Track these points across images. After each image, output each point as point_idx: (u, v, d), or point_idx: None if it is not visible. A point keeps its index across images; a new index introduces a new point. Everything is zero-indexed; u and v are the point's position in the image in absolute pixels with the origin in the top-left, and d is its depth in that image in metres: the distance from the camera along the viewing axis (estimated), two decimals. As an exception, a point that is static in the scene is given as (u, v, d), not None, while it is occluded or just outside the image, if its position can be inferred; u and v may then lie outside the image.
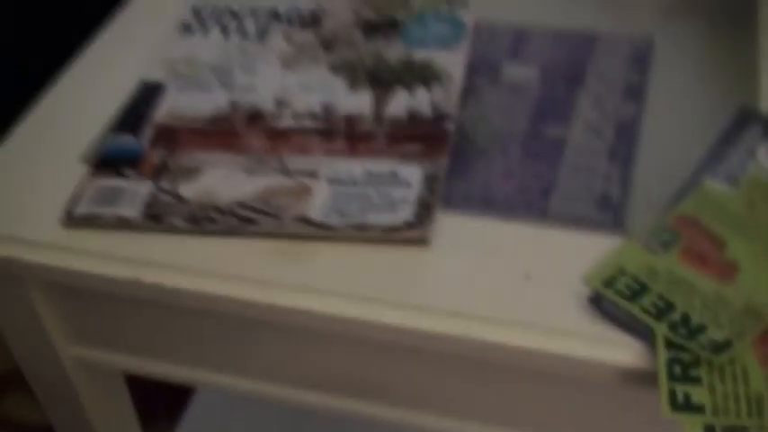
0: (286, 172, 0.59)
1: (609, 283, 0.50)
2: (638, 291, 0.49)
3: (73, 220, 0.58)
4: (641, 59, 0.72)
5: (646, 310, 0.48)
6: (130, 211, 0.58)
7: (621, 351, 0.49)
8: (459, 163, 0.61)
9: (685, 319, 0.48)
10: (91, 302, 0.62)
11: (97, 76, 0.71)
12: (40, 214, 0.60)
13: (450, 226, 0.56)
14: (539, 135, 0.66)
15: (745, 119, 0.59)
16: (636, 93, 0.69)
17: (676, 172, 0.58)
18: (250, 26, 0.72)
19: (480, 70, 0.71)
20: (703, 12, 0.79)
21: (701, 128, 0.65)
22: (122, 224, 0.58)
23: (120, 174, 0.61)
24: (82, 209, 0.59)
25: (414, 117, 0.62)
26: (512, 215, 0.59)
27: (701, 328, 0.47)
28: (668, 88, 0.70)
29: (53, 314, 0.64)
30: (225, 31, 0.72)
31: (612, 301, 0.49)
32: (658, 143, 0.65)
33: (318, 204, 0.56)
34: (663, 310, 0.48)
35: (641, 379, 0.48)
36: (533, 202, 0.61)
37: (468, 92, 0.67)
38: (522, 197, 0.62)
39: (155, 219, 0.57)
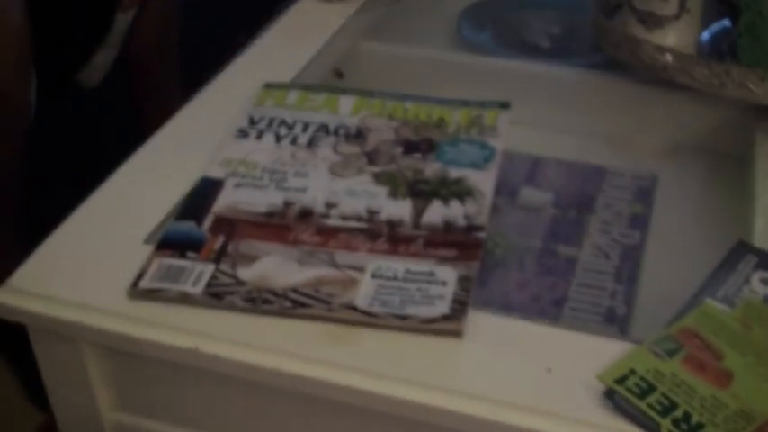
0: (334, 265, 0.66)
1: (620, 380, 0.56)
2: (646, 389, 0.56)
3: (138, 292, 0.65)
4: (646, 193, 0.79)
5: (652, 407, 0.55)
6: (192, 288, 0.64)
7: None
8: (479, 272, 0.67)
9: (687, 417, 0.55)
10: (143, 371, 0.68)
11: (159, 169, 0.79)
12: (104, 285, 0.67)
13: (479, 322, 0.63)
14: (552, 253, 0.73)
15: (741, 250, 0.67)
16: (640, 222, 0.76)
17: (675, 293, 0.64)
18: (301, 136, 0.80)
19: (501, 192, 0.78)
20: (704, 152, 0.87)
21: (698, 256, 0.71)
22: (184, 299, 0.64)
23: (182, 255, 0.68)
24: (146, 283, 0.65)
25: (449, 226, 0.69)
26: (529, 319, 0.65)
27: (700, 426, 0.54)
28: (669, 220, 0.77)
29: (103, 379, 0.70)
30: (278, 138, 0.79)
31: (624, 396, 0.56)
32: (659, 268, 0.72)
33: (363, 295, 0.63)
34: (667, 407, 0.55)
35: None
36: (546, 311, 0.68)
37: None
38: (536, 306, 0.69)
39: (215, 296, 0.64)
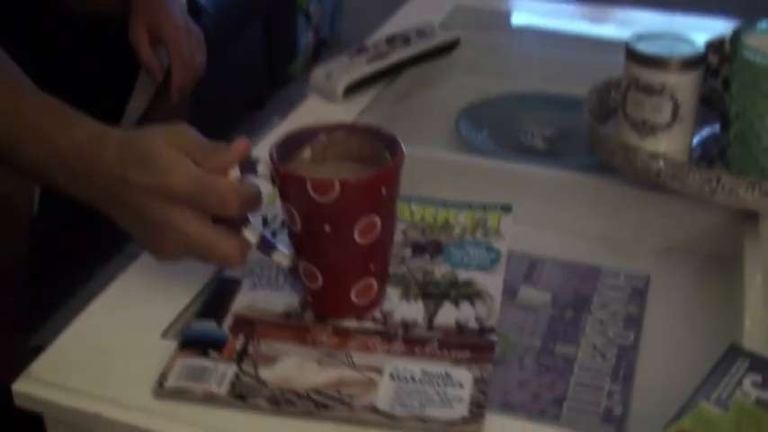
0: (353, 366, 0.69)
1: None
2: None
3: (164, 391, 0.67)
4: (639, 293, 0.82)
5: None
6: (217, 388, 0.67)
7: None
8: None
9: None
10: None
11: (173, 265, 0.81)
12: (123, 378, 0.69)
13: (489, 423, 0.65)
14: (550, 352, 0.75)
15: (734, 354, 0.70)
16: (635, 322, 0.78)
17: (669, 393, 0.67)
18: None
19: (500, 291, 0.81)
20: (695, 254, 0.90)
21: (691, 355, 0.75)
22: (210, 400, 0.67)
23: (205, 354, 0.70)
24: (172, 382, 0.68)
25: (461, 328, 0.73)
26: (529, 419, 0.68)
27: None
28: (663, 320, 0.80)
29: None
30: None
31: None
32: (653, 367, 0.75)
33: (383, 396, 0.66)
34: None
35: None
36: (547, 411, 0.70)
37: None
38: (536, 405, 0.71)
39: (240, 398, 0.66)
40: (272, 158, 0.70)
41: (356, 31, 2.63)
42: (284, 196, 0.70)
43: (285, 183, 0.69)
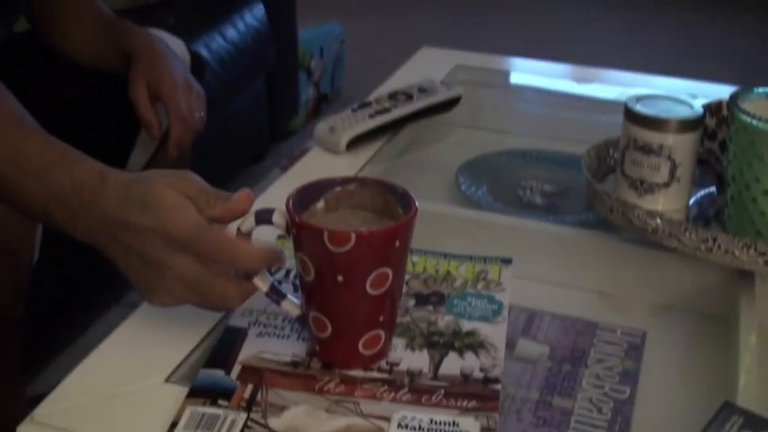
0: (361, 414, 0.70)
1: None
2: None
3: (176, 439, 0.69)
4: (636, 348, 0.83)
5: None
6: (228, 437, 0.68)
7: None
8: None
9: None
10: None
11: (177, 311, 0.82)
12: (128, 423, 0.70)
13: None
14: (548, 404, 0.76)
15: (727, 411, 0.71)
16: (631, 377, 0.79)
17: None
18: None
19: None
20: (690, 312, 0.91)
21: (686, 411, 0.76)
22: (221, 447, 0.68)
23: (214, 403, 0.71)
24: (182, 430, 0.69)
25: (466, 377, 0.74)
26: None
27: None
28: (658, 376, 0.80)
29: None
30: (295, 289, 0.83)
31: None
32: (648, 423, 0.76)
33: (391, 445, 0.67)
34: None
35: None
36: (545, 465, 0.71)
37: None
38: (535, 459, 0.72)
39: (250, 446, 0.68)
40: (288, 208, 0.72)
41: (356, 87, 2.69)
42: (299, 246, 0.72)
43: (301, 233, 0.71)
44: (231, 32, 2.05)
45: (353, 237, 0.68)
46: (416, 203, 0.73)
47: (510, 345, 0.82)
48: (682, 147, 0.91)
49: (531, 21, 3.76)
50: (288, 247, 0.87)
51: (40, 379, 1.44)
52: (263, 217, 0.73)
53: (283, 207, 0.72)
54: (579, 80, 1.50)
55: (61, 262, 1.43)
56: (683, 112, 0.92)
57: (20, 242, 1.16)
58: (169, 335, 0.80)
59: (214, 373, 0.75)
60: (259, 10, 2.20)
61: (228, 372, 0.75)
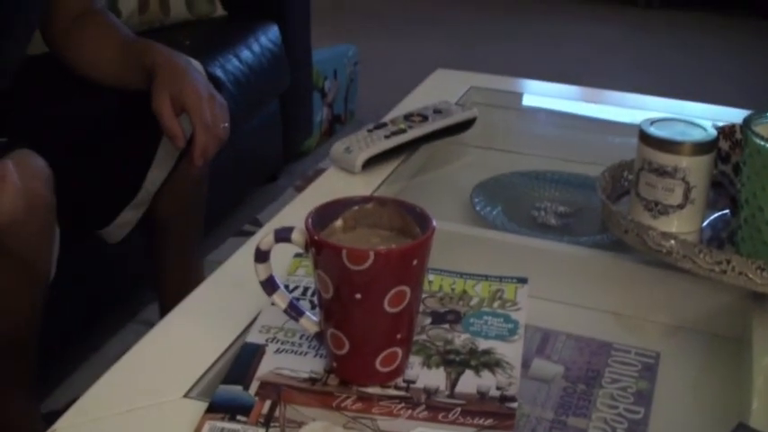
0: (378, 431, 0.71)
1: None
2: None
3: (196, 454, 0.69)
4: (650, 369, 0.83)
5: None
6: (246, 451, 0.69)
7: None
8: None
9: None
10: None
11: (195, 328, 0.84)
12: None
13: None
14: (562, 424, 0.77)
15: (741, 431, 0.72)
16: (644, 398, 0.79)
17: None
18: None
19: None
20: (704, 333, 0.92)
21: (700, 431, 0.77)
22: (240, 462, 0.69)
23: (233, 418, 0.72)
24: (203, 445, 0.70)
25: (483, 395, 0.75)
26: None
27: None
28: (672, 397, 0.81)
29: None
30: (312, 306, 0.85)
31: None
32: None
33: (408, 461, 0.68)
34: None
35: None
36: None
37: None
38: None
39: (269, 460, 0.68)
40: (307, 227, 0.73)
41: (369, 108, 2.70)
42: (318, 263, 0.73)
43: (320, 250, 0.72)
44: (246, 54, 2.07)
45: (372, 255, 0.69)
46: (434, 222, 0.74)
47: (525, 364, 0.82)
48: (696, 169, 0.92)
49: (545, 44, 3.78)
50: (306, 266, 0.89)
51: (54, 395, 1.45)
52: (283, 235, 0.74)
53: (302, 225, 0.73)
54: (593, 102, 1.51)
55: (78, 279, 1.44)
56: (697, 135, 0.93)
57: (37, 259, 1.17)
58: (188, 351, 0.81)
59: (233, 389, 0.76)
60: (274, 32, 2.22)
61: (247, 387, 0.76)
